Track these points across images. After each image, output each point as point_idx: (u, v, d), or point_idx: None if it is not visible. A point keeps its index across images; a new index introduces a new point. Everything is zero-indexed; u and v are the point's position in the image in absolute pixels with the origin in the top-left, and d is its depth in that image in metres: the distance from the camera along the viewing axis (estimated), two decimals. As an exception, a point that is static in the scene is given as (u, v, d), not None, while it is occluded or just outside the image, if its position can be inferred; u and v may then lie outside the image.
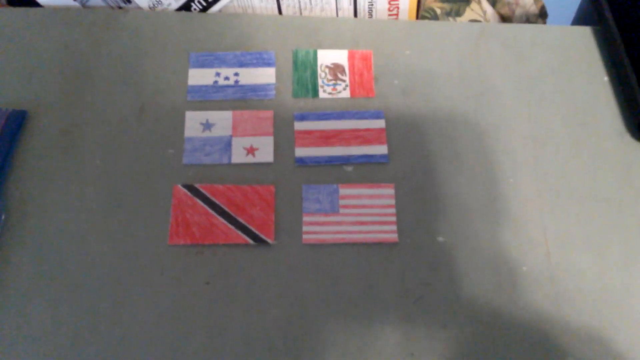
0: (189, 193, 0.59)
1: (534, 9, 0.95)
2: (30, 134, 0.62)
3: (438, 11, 0.86)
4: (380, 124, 0.63)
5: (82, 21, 0.69)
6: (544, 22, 0.94)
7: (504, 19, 0.93)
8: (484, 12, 0.90)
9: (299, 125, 0.63)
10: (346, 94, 0.65)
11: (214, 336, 0.54)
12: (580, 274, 0.58)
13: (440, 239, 0.59)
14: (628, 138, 0.64)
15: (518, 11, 0.95)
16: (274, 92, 0.65)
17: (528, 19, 0.95)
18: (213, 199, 0.59)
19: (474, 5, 0.90)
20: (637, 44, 0.66)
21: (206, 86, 0.65)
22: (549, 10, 0.97)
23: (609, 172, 0.62)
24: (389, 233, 0.58)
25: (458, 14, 0.88)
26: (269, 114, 0.63)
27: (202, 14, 0.70)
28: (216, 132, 0.62)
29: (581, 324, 0.56)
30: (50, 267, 0.57)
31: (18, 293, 0.56)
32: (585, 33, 0.71)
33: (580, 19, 1.12)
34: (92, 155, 0.62)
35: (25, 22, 0.68)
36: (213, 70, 0.66)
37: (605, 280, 0.58)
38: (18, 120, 0.62)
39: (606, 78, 0.67)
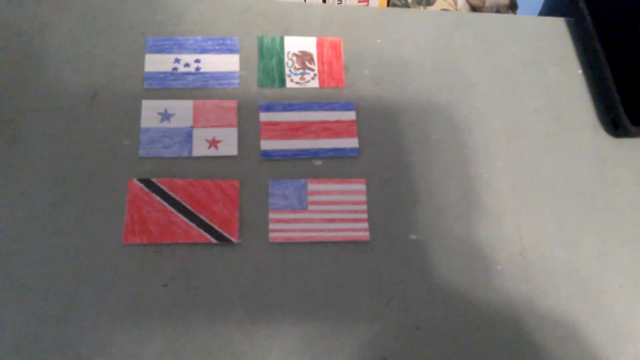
0: (145, 188, 0.55)
1: (504, 0, 0.94)
2: (-32, 123, 0.57)
3: (409, -1, 0.84)
4: (350, 115, 0.60)
5: None
6: (514, 14, 0.92)
7: (474, 9, 0.91)
8: (455, 2, 0.88)
9: (264, 117, 0.59)
10: (315, 83, 0.62)
11: (173, 341, 0.50)
12: (554, 270, 0.56)
13: (413, 236, 0.56)
14: (602, 132, 0.63)
15: (488, 2, 0.93)
16: (237, 80, 0.61)
17: (498, 10, 0.93)
18: (172, 194, 0.55)
19: (444, -6, 0.87)
20: (612, 37, 0.65)
21: (164, 73, 0.60)
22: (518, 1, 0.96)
23: (583, 167, 0.61)
24: (360, 231, 0.55)
25: (429, 3, 0.86)
26: (233, 103, 0.60)
27: (161, -4, 0.65)
28: (175, 122, 0.58)
29: (556, 321, 0.54)
30: (-9, 269, 0.52)
31: (-45, 298, 0.51)
32: (559, 24, 0.69)
33: (548, 9, 1.11)
34: (39, 145, 0.57)
35: (-37, 0, 0.63)
36: (172, 56, 0.61)
37: (579, 276, 0.56)
38: (-45, 108, 0.57)
39: (580, 71, 0.66)
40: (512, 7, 0.95)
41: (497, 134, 0.61)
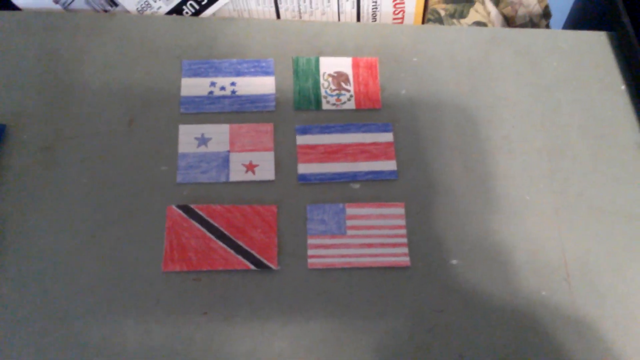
0: (184, 214, 0.55)
1: (537, 9, 0.92)
2: (9, 149, 0.57)
3: (442, 13, 0.83)
4: (387, 137, 0.59)
5: (65, 26, 0.64)
6: (547, 23, 0.90)
7: (507, 19, 0.90)
8: (488, 13, 0.87)
9: (301, 140, 0.59)
10: (351, 105, 0.61)
11: (214, 371, 0.50)
12: (601, 297, 0.54)
13: (454, 261, 0.55)
14: (648, 151, 0.61)
15: (521, 11, 0.92)
16: (273, 103, 0.61)
17: (531, 19, 0.91)
18: (210, 220, 0.55)
19: (477, 6, 0.86)
20: (657, 51, 0.63)
21: (200, 97, 0.60)
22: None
23: (629, 186, 0.59)
24: (400, 256, 0.54)
25: (462, 15, 0.85)
26: (269, 127, 0.59)
27: (195, 18, 0.65)
28: (212, 147, 0.58)
29: (603, 350, 0.52)
30: (33, 296, 0.52)
31: (-2, 325, 0.51)
32: (600, 39, 0.67)
33: (577, 19, 1.08)
34: (77, 172, 0.57)
35: (1, 27, 0.63)
36: (208, 80, 0.61)
37: (628, 304, 0.54)
38: (-4, 135, 0.57)
39: (623, 87, 0.64)
40: (546, 17, 0.93)
41: (539, 154, 0.60)
